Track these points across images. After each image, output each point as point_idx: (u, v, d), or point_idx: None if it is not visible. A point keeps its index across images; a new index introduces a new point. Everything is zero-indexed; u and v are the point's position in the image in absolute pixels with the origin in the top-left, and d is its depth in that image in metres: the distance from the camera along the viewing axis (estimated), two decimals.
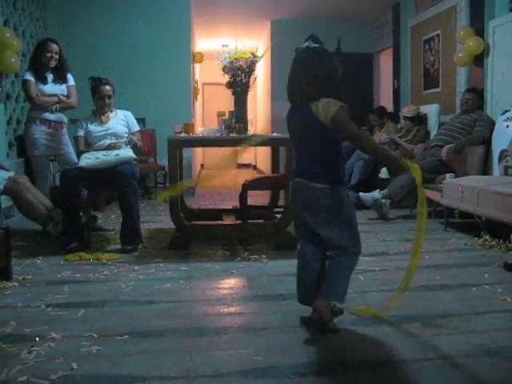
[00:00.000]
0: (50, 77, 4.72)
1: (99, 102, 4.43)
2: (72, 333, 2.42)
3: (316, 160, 2.42)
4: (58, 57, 4.69)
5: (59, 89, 4.75)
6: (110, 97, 4.44)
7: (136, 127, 4.61)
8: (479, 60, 5.69)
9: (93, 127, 4.41)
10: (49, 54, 4.63)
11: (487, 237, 4.18)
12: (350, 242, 2.43)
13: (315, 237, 2.48)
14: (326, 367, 2.11)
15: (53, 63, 4.68)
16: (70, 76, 4.85)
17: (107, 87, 4.43)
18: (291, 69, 2.43)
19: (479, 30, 5.66)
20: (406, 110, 6.45)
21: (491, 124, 5.25)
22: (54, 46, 4.66)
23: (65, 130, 4.88)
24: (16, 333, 2.42)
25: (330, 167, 2.40)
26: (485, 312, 2.68)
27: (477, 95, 5.57)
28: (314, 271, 2.50)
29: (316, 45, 2.42)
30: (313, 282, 2.49)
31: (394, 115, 7.43)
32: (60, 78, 4.75)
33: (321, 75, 2.34)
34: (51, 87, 4.71)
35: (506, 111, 5.04)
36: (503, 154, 4.88)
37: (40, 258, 3.82)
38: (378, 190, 5.52)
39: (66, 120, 4.89)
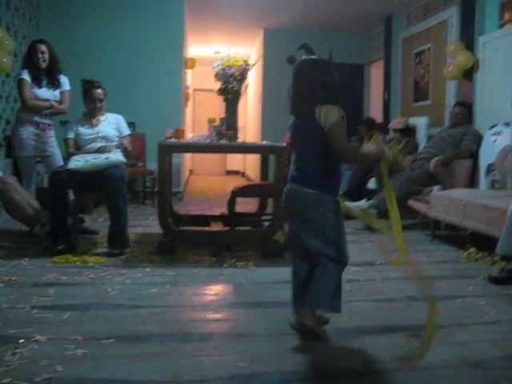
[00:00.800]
0: (44, 81, 4.70)
1: (90, 105, 4.42)
2: (57, 335, 2.40)
3: (314, 166, 2.45)
4: (47, 56, 4.67)
5: (52, 94, 4.73)
6: (101, 100, 4.43)
7: (127, 131, 4.60)
8: (469, 74, 5.76)
9: (83, 130, 4.40)
10: (35, 56, 4.62)
11: (473, 249, 4.22)
12: (331, 250, 2.42)
13: (302, 245, 2.48)
14: (311, 375, 2.12)
15: (43, 64, 4.65)
16: (65, 80, 4.82)
17: (99, 90, 4.42)
18: (292, 80, 2.47)
19: (469, 44, 5.74)
20: (395, 122, 6.50)
21: (479, 138, 5.31)
22: (42, 47, 4.64)
23: (52, 131, 4.86)
24: (0, 334, 2.41)
25: (324, 174, 2.43)
26: (468, 324, 2.71)
27: (466, 109, 5.62)
28: (299, 283, 2.51)
29: (313, 56, 2.52)
30: (299, 294, 2.49)
31: (382, 126, 7.47)
32: (53, 84, 4.73)
33: (321, 84, 2.41)
34: (45, 92, 4.69)
35: (494, 126, 5.11)
36: (490, 168, 4.93)
37: (26, 259, 3.79)
38: (365, 200, 5.55)
39: (52, 122, 4.87)
